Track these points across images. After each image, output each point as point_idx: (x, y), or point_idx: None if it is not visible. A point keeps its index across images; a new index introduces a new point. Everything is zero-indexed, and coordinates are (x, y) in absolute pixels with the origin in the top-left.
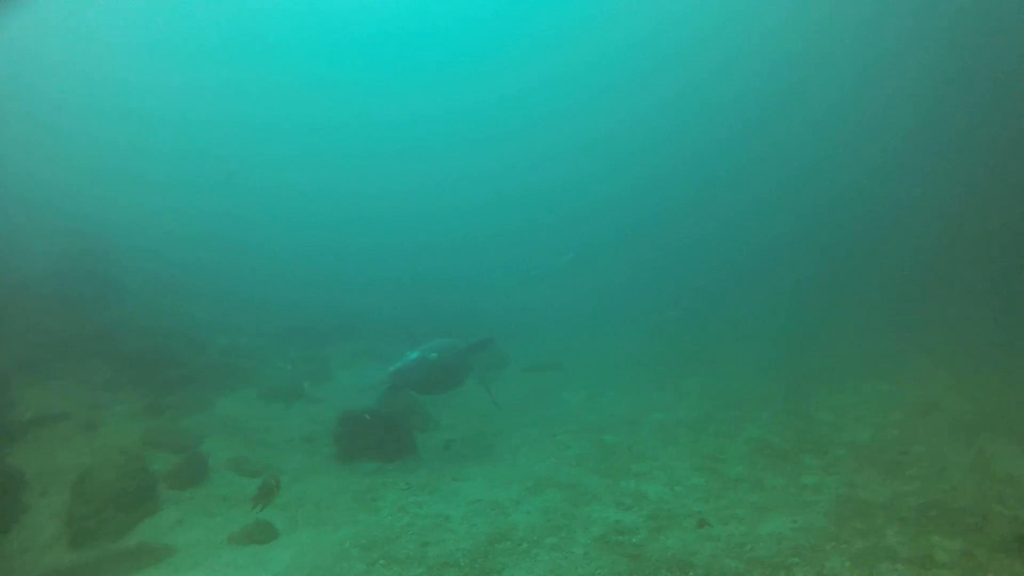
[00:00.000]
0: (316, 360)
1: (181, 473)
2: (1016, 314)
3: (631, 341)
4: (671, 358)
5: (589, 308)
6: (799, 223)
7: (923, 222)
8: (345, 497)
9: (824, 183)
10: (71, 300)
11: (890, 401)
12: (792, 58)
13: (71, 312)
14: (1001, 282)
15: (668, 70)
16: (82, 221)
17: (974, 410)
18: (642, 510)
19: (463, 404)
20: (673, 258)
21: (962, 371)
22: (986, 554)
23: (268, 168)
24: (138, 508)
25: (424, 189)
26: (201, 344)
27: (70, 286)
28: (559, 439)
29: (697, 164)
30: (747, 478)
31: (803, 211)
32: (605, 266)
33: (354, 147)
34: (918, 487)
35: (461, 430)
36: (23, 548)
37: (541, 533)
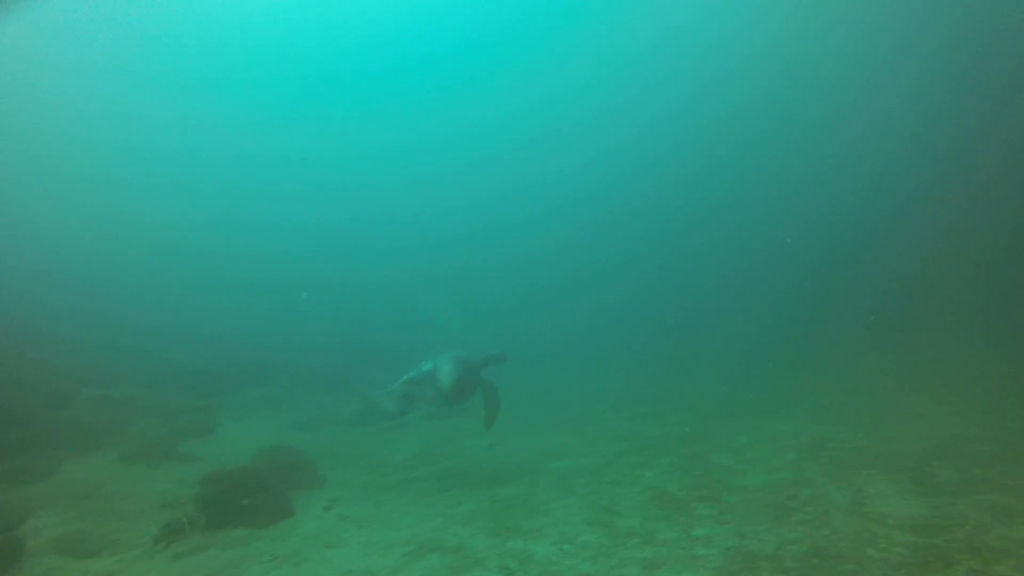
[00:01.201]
0: (201, 411)
1: None
2: (978, 343)
3: (558, 379)
4: (591, 399)
5: (538, 345)
6: (791, 241)
7: (913, 242)
8: None
9: (819, 198)
10: None
11: (785, 441)
12: (790, 71)
13: None
14: (978, 309)
15: (658, 92)
16: None
17: (858, 447)
18: (527, 575)
19: (357, 456)
20: (653, 287)
21: (852, 406)
22: None
23: (188, 199)
24: None
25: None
26: (63, 398)
27: None
28: (452, 494)
29: (692, 182)
30: (640, 532)
31: (795, 227)
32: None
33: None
34: (803, 533)
35: (349, 487)
36: None
37: None
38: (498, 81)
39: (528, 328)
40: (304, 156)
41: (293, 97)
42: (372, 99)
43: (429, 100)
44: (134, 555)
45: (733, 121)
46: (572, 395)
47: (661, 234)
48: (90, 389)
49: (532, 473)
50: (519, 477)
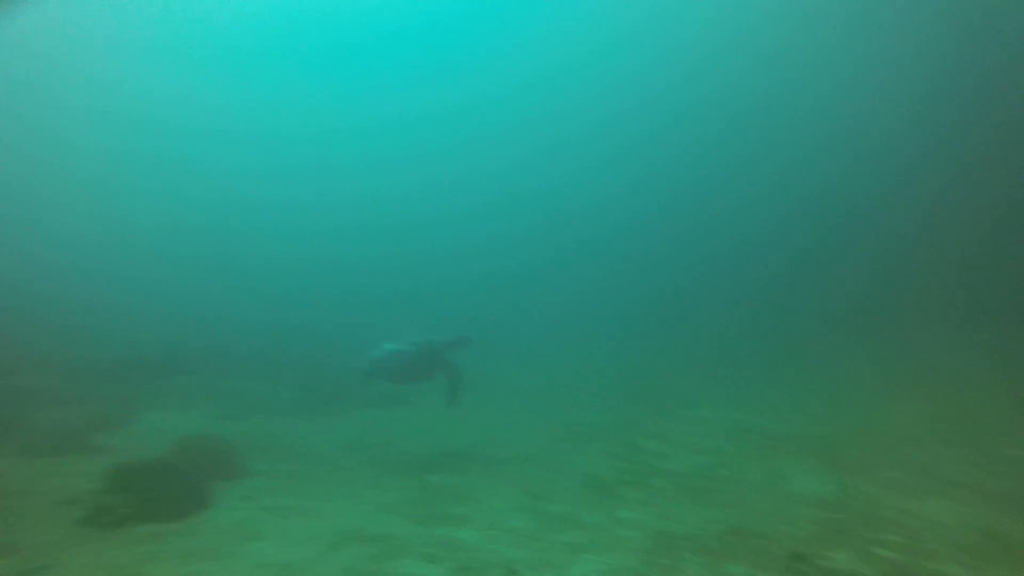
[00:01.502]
0: (119, 400)
1: None
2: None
3: (511, 367)
4: (536, 386)
5: (499, 332)
6: (769, 229)
7: (891, 235)
8: None
9: (802, 186)
10: None
11: (711, 426)
12: (772, 59)
13: None
14: (946, 304)
15: (642, 74)
16: None
17: (777, 432)
18: (452, 561)
19: (285, 445)
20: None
21: (773, 396)
22: (764, 575)
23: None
24: None
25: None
26: None
27: None
28: (380, 482)
29: (672, 169)
30: (567, 516)
31: (775, 217)
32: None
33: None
34: (722, 513)
35: (274, 477)
36: None
37: None
38: (475, 64)
39: (493, 314)
40: (266, 133)
41: (254, 71)
42: (340, 79)
43: (405, 78)
44: (23, 556)
45: (708, 109)
46: (519, 382)
47: (638, 223)
48: None
49: (464, 460)
50: (450, 464)
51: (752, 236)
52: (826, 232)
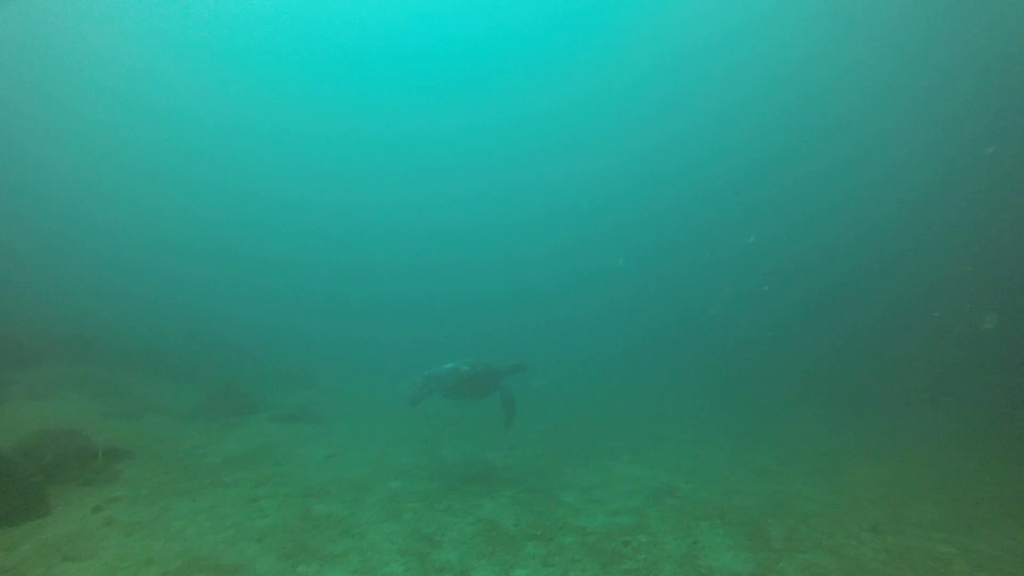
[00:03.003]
0: None
1: None
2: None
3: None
4: (476, 414)
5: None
6: (761, 287)
7: (864, 307)
8: None
9: (822, 232)
10: None
11: (636, 484)
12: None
13: None
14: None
15: (677, 106)
16: None
17: (706, 498)
18: None
19: (170, 452)
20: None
21: (712, 459)
22: None
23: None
24: None
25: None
26: None
27: None
28: (259, 504)
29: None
30: (455, 568)
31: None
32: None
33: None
34: None
35: (140, 486)
36: None
37: None
38: (505, 81)
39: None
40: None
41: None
42: (375, 87)
43: (435, 93)
44: None
45: (713, 130)
46: (447, 413)
47: (646, 256)
48: None
49: (361, 490)
50: (344, 493)
51: (742, 293)
52: (807, 298)
